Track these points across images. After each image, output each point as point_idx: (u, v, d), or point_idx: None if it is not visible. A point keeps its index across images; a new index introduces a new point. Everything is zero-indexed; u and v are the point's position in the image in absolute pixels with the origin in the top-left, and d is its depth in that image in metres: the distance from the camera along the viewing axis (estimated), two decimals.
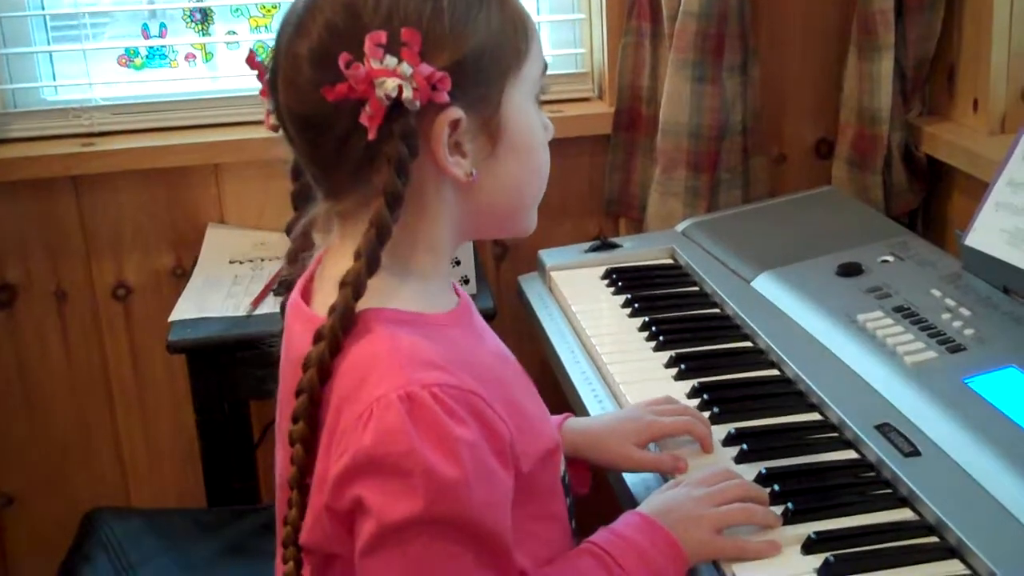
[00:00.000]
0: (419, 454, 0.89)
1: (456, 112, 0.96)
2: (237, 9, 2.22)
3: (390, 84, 0.91)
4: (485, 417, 0.94)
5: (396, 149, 0.93)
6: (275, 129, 1.02)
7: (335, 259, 1.02)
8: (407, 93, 0.91)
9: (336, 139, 0.95)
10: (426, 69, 0.92)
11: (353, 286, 0.95)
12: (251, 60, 1.03)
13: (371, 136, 0.92)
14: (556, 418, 1.24)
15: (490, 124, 0.99)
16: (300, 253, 1.09)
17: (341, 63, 0.91)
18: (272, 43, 1.00)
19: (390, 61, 0.91)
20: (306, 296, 1.07)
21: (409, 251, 1.00)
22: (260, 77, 1.03)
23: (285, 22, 0.98)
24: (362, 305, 0.96)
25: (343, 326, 0.95)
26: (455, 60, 0.95)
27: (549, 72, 1.08)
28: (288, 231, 1.09)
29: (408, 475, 0.89)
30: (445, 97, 0.94)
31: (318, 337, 0.96)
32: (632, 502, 1.21)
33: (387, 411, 0.90)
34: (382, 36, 0.92)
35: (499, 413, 0.96)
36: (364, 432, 0.91)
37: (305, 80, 0.95)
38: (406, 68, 0.91)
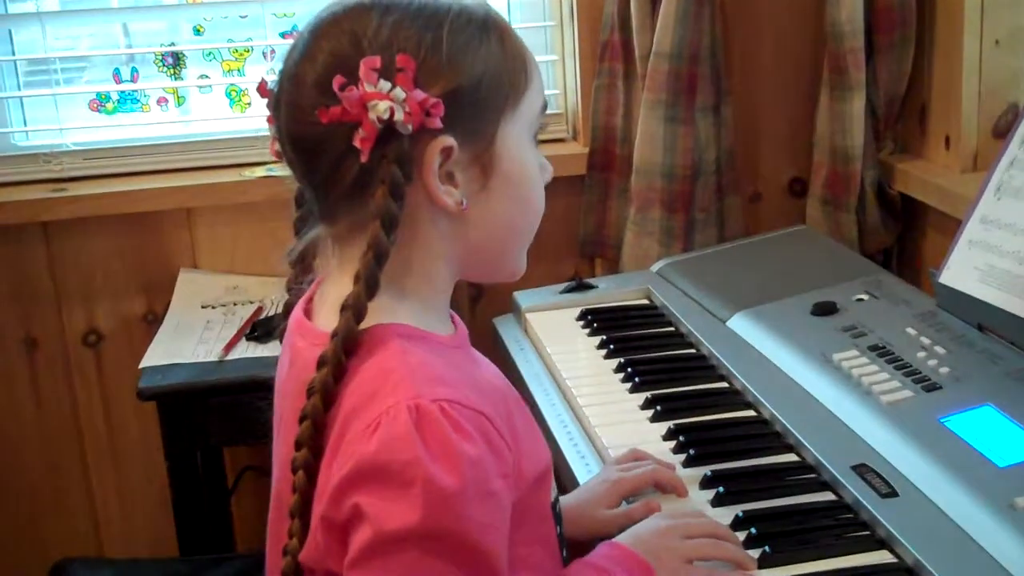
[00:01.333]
0: (421, 464, 0.89)
1: (448, 140, 0.97)
2: (209, 53, 2.22)
3: (382, 107, 0.93)
4: (491, 438, 0.94)
5: (390, 171, 0.95)
6: (279, 156, 1.04)
7: (333, 282, 1.03)
8: (399, 116, 0.93)
9: (331, 161, 0.97)
10: (419, 95, 0.94)
11: (354, 309, 0.96)
12: (262, 89, 1.04)
13: (363, 158, 0.94)
14: None
15: (483, 156, 1.00)
16: (298, 280, 1.10)
17: (335, 86, 0.93)
18: (279, 69, 1.02)
19: (384, 85, 0.93)
20: (307, 317, 1.07)
21: (403, 274, 1.00)
22: (269, 105, 1.04)
23: (292, 48, 1.01)
24: (367, 323, 0.97)
25: (346, 350, 0.96)
26: (450, 89, 0.96)
27: None
28: (289, 257, 1.10)
29: (409, 485, 0.89)
30: (438, 123, 0.95)
31: (321, 362, 0.96)
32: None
33: (395, 420, 0.91)
34: (376, 61, 0.94)
35: (504, 436, 0.96)
36: (370, 440, 0.91)
37: (307, 103, 0.97)
38: (399, 92, 0.93)
